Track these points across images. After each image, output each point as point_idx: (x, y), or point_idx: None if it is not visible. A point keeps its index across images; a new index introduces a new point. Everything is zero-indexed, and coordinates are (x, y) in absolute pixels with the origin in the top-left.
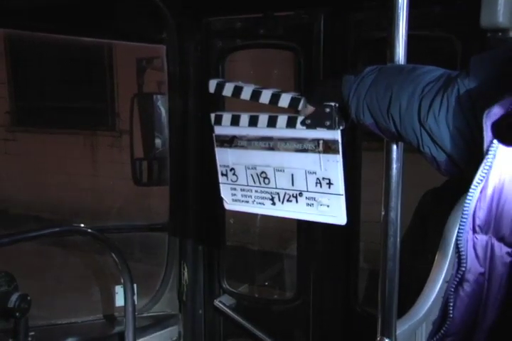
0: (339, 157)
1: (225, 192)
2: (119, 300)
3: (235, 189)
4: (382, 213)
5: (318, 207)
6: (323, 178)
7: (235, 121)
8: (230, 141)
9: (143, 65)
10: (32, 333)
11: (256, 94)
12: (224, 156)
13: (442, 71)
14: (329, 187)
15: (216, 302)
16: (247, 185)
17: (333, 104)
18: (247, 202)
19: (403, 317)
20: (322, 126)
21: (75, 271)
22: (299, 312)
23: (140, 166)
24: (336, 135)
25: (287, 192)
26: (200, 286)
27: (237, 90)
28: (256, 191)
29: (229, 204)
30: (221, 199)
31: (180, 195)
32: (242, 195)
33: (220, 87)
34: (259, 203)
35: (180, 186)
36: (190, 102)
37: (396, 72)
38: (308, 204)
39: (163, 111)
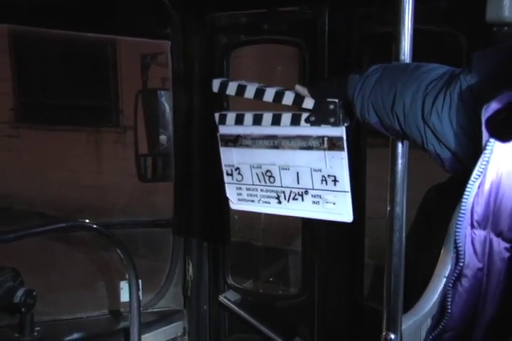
0: (344, 154)
1: (230, 192)
2: (124, 296)
3: (240, 188)
4: (388, 208)
5: (324, 205)
6: (329, 175)
7: (239, 120)
8: (235, 141)
9: (147, 61)
10: (37, 328)
11: (260, 93)
12: (229, 156)
13: (446, 68)
14: (335, 184)
15: (221, 298)
16: (253, 184)
17: (337, 100)
18: (253, 201)
19: (408, 313)
20: (326, 122)
21: (79, 267)
22: (304, 307)
23: (145, 162)
24: (341, 132)
25: (293, 190)
26: (204, 282)
27: (241, 89)
28: (261, 190)
29: (235, 204)
30: (226, 198)
31: (185, 191)
32: (247, 195)
33: (223, 86)
34: (265, 202)
35: (184, 182)
36: (195, 98)
37: (400, 70)
38: (314, 202)
39: (168, 107)
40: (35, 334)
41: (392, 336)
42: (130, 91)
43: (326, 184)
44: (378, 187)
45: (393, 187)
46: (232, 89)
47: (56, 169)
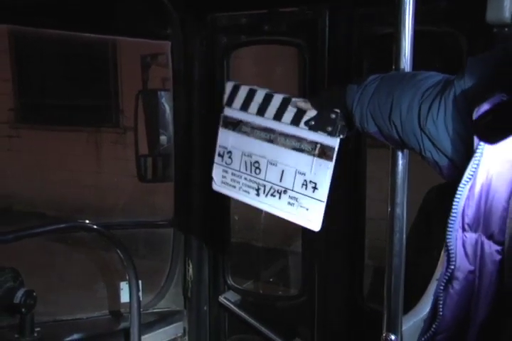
0: (331, 164)
1: (216, 172)
2: (124, 297)
3: (226, 172)
4: (389, 209)
5: (297, 208)
6: (311, 181)
7: (245, 107)
8: (235, 125)
9: (147, 62)
10: (38, 329)
11: (268, 98)
12: (225, 138)
13: (442, 76)
14: (313, 191)
15: (221, 299)
16: (239, 171)
17: (338, 111)
18: (234, 187)
19: (409, 314)
20: (324, 130)
21: (80, 268)
22: (304, 308)
23: (145, 163)
24: (335, 142)
25: (273, 186)
26: (205, 282)
27: (251, 93)
28: (245, 178)
29: (217, 185)
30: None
31: (185, 192)
32: (231, 179)
33: (235, 88)
34: (245, 191)
35: (185, 182)
36: (195, 98)
37: (398, 79)
38: (289, 203)
39: (168, 108)
40: (35, 334)
41: (393, 337)
42: (130, 91)
43: (306, 189)
44: (378, 188)
45: (394, 188)
46: (243, 92)
47: (56, 169)
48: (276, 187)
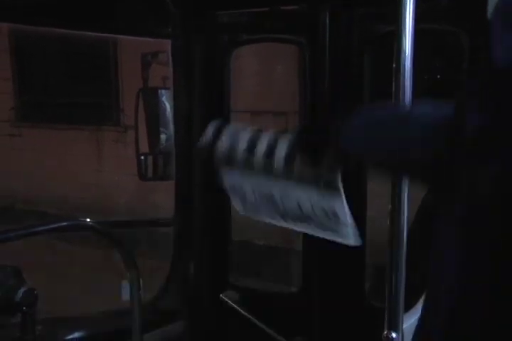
0: (340, 193)
1: (235, 202)
2: (126, 295)
3: (244, 202)
4: (390, 206)
5: (328, 230)
6: (329, 208)
7: (234, 147)
8: (231, 164)
9: (148, 60)
10: (39, 327)
11: (252, 146)
12: (228, 176)
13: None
14: (335, 217)
15: (222, 297)
16: (256, 202)
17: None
18: (259, 214)
19: (410, 311)
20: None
21: (81, 266)
22: (305, 306)
23: (145, 161)
24: (335, 176)
25: (296, 214)
26: (205, 281)
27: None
28: (265, 208)
29: (242, 212)
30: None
31: (186, 190)
32: (252, 209)
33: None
34: (270, 217)
35: (186, 181)
36: (196, 97)
37: (385, 122)
38: (319, 227)
39: (169, 106)
40: (37, 332)
41: (394, 335)
42: (131, 90)
43: (327, 216)
44: (379, 185)
45: (396, 183)
46: (228, 132)
47: (57, 168)
48: (299, 215)
